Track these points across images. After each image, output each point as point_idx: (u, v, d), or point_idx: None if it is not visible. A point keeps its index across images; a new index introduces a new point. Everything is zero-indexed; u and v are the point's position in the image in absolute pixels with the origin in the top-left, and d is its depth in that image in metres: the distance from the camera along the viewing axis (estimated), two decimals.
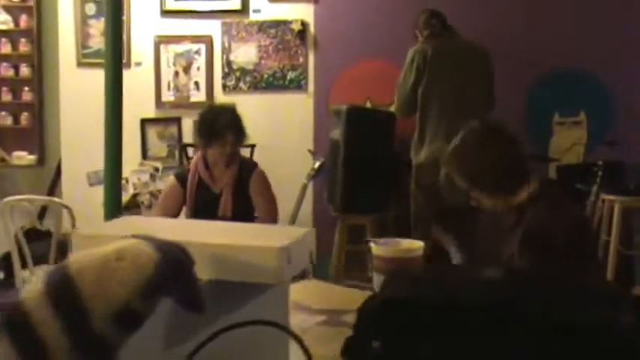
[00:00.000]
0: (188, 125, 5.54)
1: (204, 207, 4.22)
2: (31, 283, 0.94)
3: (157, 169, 5.43)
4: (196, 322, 1.02)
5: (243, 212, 4.28)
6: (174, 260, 0.97)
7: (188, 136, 5.54)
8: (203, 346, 1.03)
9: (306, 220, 5.41)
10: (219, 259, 1.12)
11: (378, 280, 1.53)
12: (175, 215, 4.32)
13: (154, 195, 5.34)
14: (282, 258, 1.12)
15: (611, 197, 5.03)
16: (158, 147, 5.56)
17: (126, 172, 4.75)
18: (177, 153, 5.55)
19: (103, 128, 5.39)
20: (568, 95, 5.48)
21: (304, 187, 5.19)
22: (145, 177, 5.34)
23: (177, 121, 5.54)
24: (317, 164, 5.25)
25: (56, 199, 4.50)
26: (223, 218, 4.19)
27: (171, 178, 4.38)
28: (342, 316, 1.76)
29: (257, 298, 1.18)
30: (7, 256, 5.21)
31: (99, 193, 5.30)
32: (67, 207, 4.39)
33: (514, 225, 2.54)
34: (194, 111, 5.50)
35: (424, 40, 4.93)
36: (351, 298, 1.82)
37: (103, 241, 1.12)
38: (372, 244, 1.54)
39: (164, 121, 5.55)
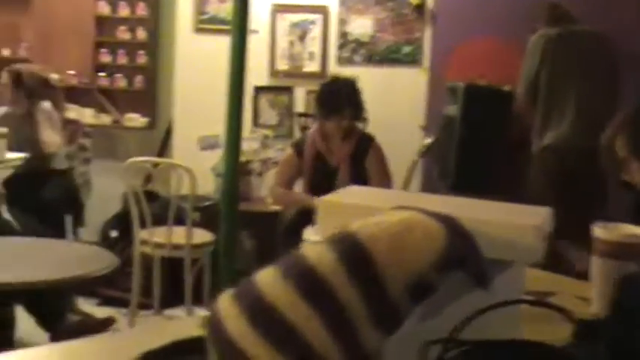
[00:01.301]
0: (300, 95, 5.57)
1: (321, 180, 4.24)
2: (315, 248, 0.94)
3: (267, 137, 5.47)
4: (442, 297, 1.02)
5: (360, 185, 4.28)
6: (462, 233, 0.96)
7: (300, 105, 5.57)
8: (468, 323, 1.02)
9: None
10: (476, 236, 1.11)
11: (603, 264, 1.48)
12: (291, 185, 4.35)
13: (264, 163, 5.39)
14: (538, 236, 1.11)
15: None
16: (269, 115, 5.61)
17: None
18: (288, 122, 5.58)
19: (216, 94, 5.47)
20: None
21: (414, 164, 5.17)
22: (256, 144, 5.38)
23: (290, 90, 5.56)
24: (428, 141, 5.22)
25: (177, 162, 4.57)
26: None
27: (288, 149, 4.42)
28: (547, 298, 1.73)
29: (498, 277, 1.17)
30: (120, 216, 5.36)
31: (208, 157, 5.40)
32: (189, 170, 4.46)
33: None
34: (307, 81, 5.55)
35: (545, 26, 4.82)
36: (552, 281, 1.78)
37: (348, 210, 1.13)
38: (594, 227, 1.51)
39: (276, 89, 5.59)
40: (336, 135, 4.24)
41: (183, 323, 1.70)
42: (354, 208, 1.20)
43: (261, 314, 0.89)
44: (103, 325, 4.13)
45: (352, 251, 0.91)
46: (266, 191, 5.44)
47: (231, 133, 4.45)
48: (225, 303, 0.95)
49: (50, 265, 2.82)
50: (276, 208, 5.31)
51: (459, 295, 1.00)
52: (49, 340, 3.87)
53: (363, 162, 4.26)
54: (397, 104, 5.37)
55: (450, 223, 0.97)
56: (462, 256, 0.94)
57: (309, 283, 0.89)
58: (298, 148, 4.34)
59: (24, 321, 3.67)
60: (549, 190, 4.63)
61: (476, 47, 5.44)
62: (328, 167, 4.26)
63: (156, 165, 5.19)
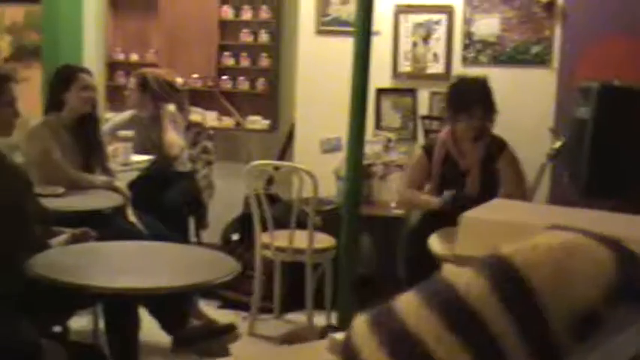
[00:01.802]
0: (424, 97, 5.44)
1: (450, 183, 4.11)
2: (462, 273, 0.85)
3: (389, 140, 5.37)
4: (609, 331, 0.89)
5: (489, 190, 4.13)
6: (633, 258, 0.84)
7: (423, 107, 5.44)
8: None
9: (542, 202, 5.17)
10: None
11: None
12: (419, 188, 4.25)
13: (387, 166, 5.29)
14: None
15: None
16: (392, 117, 5.51)
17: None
18: (411, 124, 5.47)
19: (338, 96, 5.42)
20: None
21: (543, 167, 4.95)
22: (378, 147, 5.29)
23: (413, 92, 5.44)
24: (558, 144, 4.99)
25: (299, 166, 4.53)
26: (469, 197, 4.06)
27: (418, 150, 4.31)
28: None
29: None
30: (241, 218, 5.38)
31: (330, 160, 5.35)
32: (311, 174, 4.42)
33: None
34: (431, 82, 5.42)
35: None
36: None
37: (493, 227, 1.02)
38: None
39: (399, 91, 5.48)
40: (467, 137, 4.11)
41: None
42: (501, 226, 1.09)
43: (404, 347, 0.80)
44: (225, 332, 4.13)
45: (507, 279, 0.81)
46: (388, 195, 5.35)
47: (354, 135, 4.38)
48: (363, 330, 0.86)
49: (174, 270, 2.82)
50: (398, 212, 5.21)
51: (627, 330, 0.88)
52: (172, 344, 3.90)
53: (494, 166, 4.11)
54: (525, 106, 5.15)
55: (618, 247, 0.84)
56: (636, 286, 0.81)
57: (457, 313, 0.80)
58: (428, 150, 4.23)
59: (148, 323, 3.70)
60: None
61: (609, 46, 5.16)
62: (458, 170, 4.13)
63: (277, 168, 5.17)
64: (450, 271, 0.90)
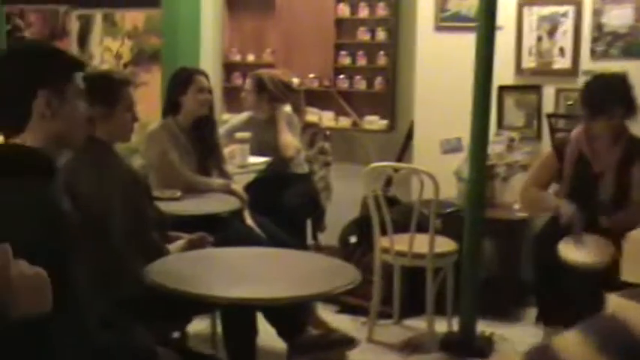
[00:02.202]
0: (549, 94, 5.18)
1: (581, 185, 3.88)
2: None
3: (512, 140, 5.14)
4: None
5: (624, 196, 3.87)
6: None
7: (549, 105, 5.18)
8: None
9: None
10: None
11: None
12: (545, 188, 4.01)
13: (510, 167, 5.07)
14: None
15: None
16: (515, 116, 5.27)
17: None
18: (535, 123, 5.21)
19: (458, 94, 5.22)
20: None
21: None
22: (501, 147, 5.07)
23: (538, 89, 5.19)
24: None
25: (419, 167, 4.38)
26: (602, 203, 3.82)
27: (549, 149, 4.09)
28: None
29: None
30: (359, 221, 5.26)
31: (450, 161, 5.17)
32: (431, 176, 4.26)
33: None
34: (556, 78, 5.15)
35: None
36: None
37: None
38: None
39: (523, 88, 5.23)
40: (604, 137, 3.85)
41: None
42: None
43: None
44: (344, 344, 4.03)
45: None
46: (511, 197, 5.12)
47: (476, 135, 4.21)
48: None
49: (292, 278, 2.72)
50: (522, 215, 4.98)
51: None
52: (288, 351, 3.83)
53: (630, 169, 3.84)
54: None
55: None
56: None
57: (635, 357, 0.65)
58: (559, 149, 4.00)
59: (265, 328, 3.64)
60: None
61: None
62: (591, 173, 3.88)
63: (396, 170, 5.03)
64: (623, 307, 0.74)
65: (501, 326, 4.67)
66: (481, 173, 4.28)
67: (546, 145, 5.11)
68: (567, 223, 3.78)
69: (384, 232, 4.43)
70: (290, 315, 3.73)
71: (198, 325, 3.96)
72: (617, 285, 3.66)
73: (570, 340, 0.73)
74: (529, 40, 5.15)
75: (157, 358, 2.29)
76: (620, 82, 3.84)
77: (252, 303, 2.67)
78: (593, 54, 5.03)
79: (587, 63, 5.02)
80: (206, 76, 4.45)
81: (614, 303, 0.62)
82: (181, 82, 4.32)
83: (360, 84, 6.05)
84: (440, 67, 5.41)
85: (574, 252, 3.73)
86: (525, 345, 4.45)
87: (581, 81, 5.01)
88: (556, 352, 0.72)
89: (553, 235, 3.87)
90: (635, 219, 3.88)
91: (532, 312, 4.88)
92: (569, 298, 3.83)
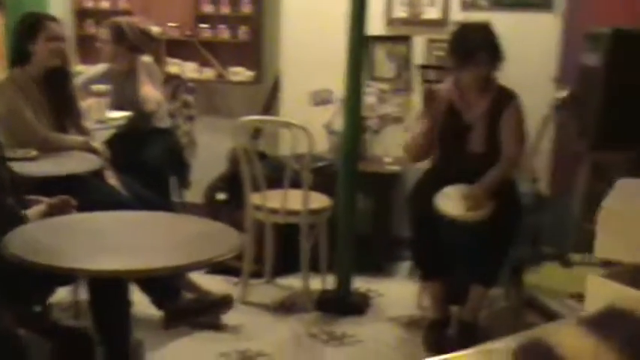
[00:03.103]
0: (420, 44, 5.11)
1: (452, 137, 3.82)
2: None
3: (384, 91, 5.04)
4: None
5: (494, 147, 3.84)
6: None
7: (419, 56, 5.11)
8: None
9: (545, 154, 4.91)
10: None
11: None
12: (430, 141, 3.93)
13: (382, 119, 4.97)
14: None
15: None
16: (386, 67, 5.17)
17: None
18: (406, 74, 5.13)
19: (327, 44, 5.07)
20: None
21: (547, 119, 4.67)
22: (372, 99, 4.96)
23: (408, 39, 5.10)
24: (563, 93, 4.69)
25: (292, 121, 4.20)
26: (472, 155, 3.78)
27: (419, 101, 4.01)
28: None
29: None
30: (226, 177, 5.05)
31: (320, 113, 5.02)
32: (305, 129, 4.09)
33: None
34: (427, 29, 5.08)
35: None
36: None
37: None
38: None
39: (393, 39, 5.13)
40: (473, 87, 3.80)
41: None
42: None
43: None
44: (220, 305, 3.84)
45: None
46: (383, 150, 5.05)
47: (351, 87, 4.07)
48: None
49: (167, 246, 2.49)
50: (393, 168, 4.92)
51: None
52: (163, 320, 3.61)
53: (500, 119, 3.82)
54: (527, 53, 4.82)
55: None
56: None
57: None
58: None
59: (137, 296, 3.39)
60: None
61: None
62: (462, 123, 3.83)
63: (267, 123, 4.84)
64: (621, 298, 0.62)
65: (375, 282, 4.62)
66: (356, 126, 4.16)
67: (417, 97, 5.06)
68: None
69: (254, 189, 4.25)
70: (162, 282, 3.50)
71: (59, 293, 3.65)
72: (491, 236, 3.66)
73: (567, 335, 0.60)
74: None
75: (20, 342, 2.02)
76: (485, 29, 3.80)
77: (125, 275, 2.42)
78: (463, 4, 4.98)
79: (457, 13, 4.97)
80: (58, 22, 4.06)
81: (621, 299, 0.52)
82: (29, 28, 3.92)
83: (224, 33, 5.77)
84: (308, 17, 5.23)
85: (452, 204, 3.67)
86: (400, 299, 4.44)
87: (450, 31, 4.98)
88: (551, 347, 0.59)
89: (429, 188, 3.80)
90: (504, 176, 3.87)
91: (405, 266, 4.87)
92: (447, 252, 3.80)
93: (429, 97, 3.83)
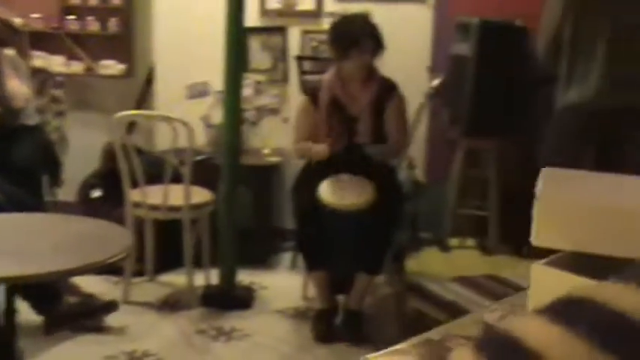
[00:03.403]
0: (295, 35, 5.11)
1: (339, 129, 3.84)
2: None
3: (259, 83, 5.02)
4: None
5: (380, 135, 3.90)
6: None
7: (294, 47, 5.11)
8: None
9: (420, 142, 5.02)
10: None
11: None
12: (313, 135, 3.93)
13: (259, 110, 4.95)
14: None
15: None
16: (261, 59, 5.14)
17: None
18: (282, 65, 5.12)
19: (201, 36, 5.00)
20: None
21: (421, 107, 4.78)
22: (248, 91, 4.92)
23: (283, 30, 5.09)
24: (436, 82, 4.82)
25: (171, 115, 4.11)
26: (360, 146, 3.82)
27: (302, 98, 4.00)
28: None
29: None
30: (101, 173, 4.90)
31: (195, 106, 4.94)
32: (185, 123, 4.01)
33: None
34: (301, 19, 5.09)
35: None
36: None
37: (582, 211, 0.75)
38: None
39: (268, 30, 5.11)
40: (356, 77, 3.83)
41: None
42: (594, 209, 0.81)
43: None
44: (106, 310, 3.72)
45: None
46: (261, 142, 5.03)
47: (230, 79, 4.03)
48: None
49: (50, 249, 2.37)
50: (273, 160, 4.92)
51: None
52: (44, 326, 3.46)
53: (384, 110, 3.87)
54: (401, 43, 4.90)
55: None
56: None
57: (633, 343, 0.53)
58: (313, 94, 3.92)
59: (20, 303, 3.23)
60: (566, 156, 4.12)
61: None
62: (347, 115, 3.85)
63: (146, 117, 4.72)
64: (595, 290, 0.63)
65: (259, 274, 4.60)
66: (236, 119, 4.12)
67: (294, 88, 5.06)
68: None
69: (133, 185, 4.13)
70: (41, 286, 3.35)
71: None
72: (375, 224, 3.71)
73: (531, 325, 0.60)
74: None
75: None
76: (365, 19, 3.85)
77: (9, 281, 2.30)
78: None
79: (331, 4, 5.00)
80: None
81: (587, 288, 0.53)
82: None
83: (93, 25, 5.57)
84: (180, 7, 5.13)
85: (334, 194, 3.70)
86: (284, 291, 4.44)
87: (325, 22, 5.01)
88: (517, 339, 0.59)
89: (313, 179, 3.82)
90: (392, 152, 3.95)
91: (287, 257, 4.87)
92: (331, 241, 3.82)
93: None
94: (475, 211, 5.05)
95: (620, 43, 4.01)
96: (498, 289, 4.35)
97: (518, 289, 4.33)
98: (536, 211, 0.88)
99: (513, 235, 4.97)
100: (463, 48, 4.72)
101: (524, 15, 4.89)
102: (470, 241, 5.04)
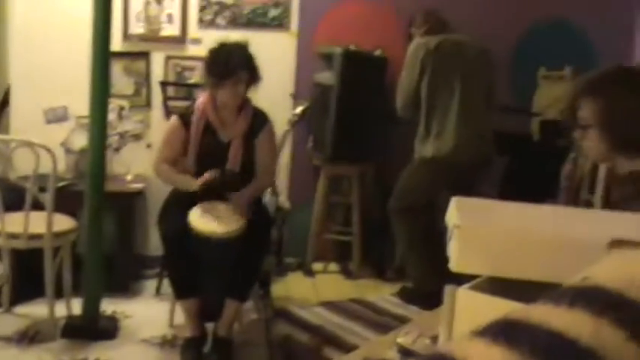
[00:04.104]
0: (159, 61, 5.06)
1: (210, 155, 3.83)
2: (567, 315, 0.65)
3: (122, 108, 4.94)
4: None
5: (249, 165, 3.93)
6: None
7: (158, 72, 5.07)
8: None
9: (284, 168, 5.09)
10: None
11: None
12: (178, 159, 3.90)
13: (122, 136, 4.86)
14: None
15: None
16: (125, 84, 5.06)
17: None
18: (145, 91, 5.07)
19: (61, 57, 4.88)
20: (555, 49, 5.33)
21: (286, 134, 4.85)
22: (111, 117, 4.83)
23: (147, 55, 5.04)
24: (300, 109, 4.91)
25: (34, 141, 3.97)
26: (231, 172, 3.82)
27: (173, 118, 3.95)
28: None
29: None
30: None
31: (54, 131, 4.81)
32: (48, 149, 3.89)
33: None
34: (165, 45, 5.05)
35: (424, 35, 4.65)
36: None
37: (501, 238, 0.82)
38: None
39: (132, 55, 5.04)
40: (230, 105, 3.84)
41: None
42: (512, 237, 0.87)
43: None
44: None
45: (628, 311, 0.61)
46: (124, 168, 4.94)
47: (96, 103, 3.94)
48: None
49: None
50: (136, 187, 4.84)
51: None
52: None
53: (255, 139, 3.91)
54: (265, 70, 4.94)
55: None
56: None
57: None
58: (185, 119, 3.89)
59: None
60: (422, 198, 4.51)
61: (345, 11, 5.16)
62: (218, 142, 3.85)
63: (4, 142, 4.52)
64: (530, 312, 0.67)
65: (123, 303, 4.50)
66: (101, 144, 4.02)
67: (157, 113, 5.02)
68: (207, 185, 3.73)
69: None
70: None
71: None
72: (244, 251, 3.72)
73: (471, 347, 0.64)
74: (136, 5, 4.97)
75: None
76: (243, 48, 3.87)
77: None
78: (201, 22, 5.02)
79: (195, 31, 5.01)
80: None
81: (522, 311, 0.56)
82: None
83: None
84: (37, 27, 4.98)
85: (205, 222, 3.69)
86: (150, 319, 4.35)
87: (190, 48, 5.01)
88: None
89: (181, 205, 3.79)
90: (258, 193, 4.00)
91: (152, 285, 4.79)
92: (201, 268, 3.80)
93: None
94: (338, 236, 5.16)
95: (470, 103, 4.44)
96: (363, 312, 4.46)
97: (383, 312, 4.48)
98: (455, 239, 0.94)
99: (376, 259, 5.12)
100: (326, 76, 4.85)
101: (384, 46, 5.09)
102: (333, 266, 5.14)
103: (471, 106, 4.49)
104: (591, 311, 0.61)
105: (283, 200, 4.96)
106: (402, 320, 4.38)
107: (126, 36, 5.00)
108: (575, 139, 4.18)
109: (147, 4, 4.96)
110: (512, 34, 5.27)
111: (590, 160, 2.40)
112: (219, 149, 3.84)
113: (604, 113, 2.25)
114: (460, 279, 1.18)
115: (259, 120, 3.93)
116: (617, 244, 0.71)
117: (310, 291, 4.77)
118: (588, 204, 5.04)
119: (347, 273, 5.06)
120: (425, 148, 4.51)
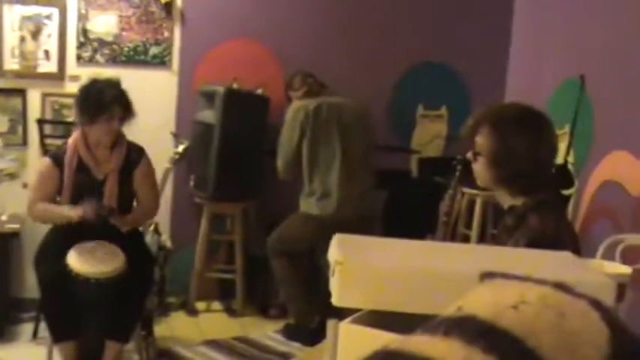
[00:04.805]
0: (35, 98, 4.94)
1: (85, 193, 3.76)
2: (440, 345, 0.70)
3: None
4: None
5: (127, 200, 3.88)
6: (608, 311, 0.75)
7: (35, 110, 4.94)
8: None
9: (166, 206, 5.04)
10: None
11: None
12: (53, 199, 3.82)
13: None
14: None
15: (473, 191, 5.11)
16: None
17: None
18: (21, 129, 4.93)
19: None
20: (433, 89, 5.53)
21: (167, 172, 4.81)
22: None
23: (23, 92, 4.91)
24: (181, 148, 4.89)
25: None
26: (107, 207, 3.76)
27: (44, 160, 3.87)
28: None
29: None
30: None
31: None
32: None
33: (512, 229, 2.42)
34: (42, 82, 4.94)
35: (302, 97, 4.78)
36: None
37: (382, 274, 0.88)
38: None
39: (7, 92, 4.90)
40: (103, 142, 3.79)
41: None
42: (394, 273, 0.92)
43: None
44: None
45: (513, 351, 0.66)
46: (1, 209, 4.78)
47: None
48: None
49: None
50: (13, 227, 4.68)
51: None
52: None
53: (132, 174, 3.87)
54: (146, 109, 4.91)
55: (591, 300, 0.74)
56: (629, 343, 0.72)
57: None
58: (57, 158, 3.81)
59: None
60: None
61: (230, 50, 5.20)
62: (93, 179, 3.79)
63: None
64: (408, 342, 0.72)
65: None
66: None
67: (34, 151, 4.89)
68: (86, 218, 3.65)
69: None
70: None
71: None
72: (125, 291, 3.65)
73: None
74: (11, 40, 4.84)
75: None
76: (115, 85, 3.85)
77: None
78: (80, 59, 4.95)
79: (73, 68, 4.93)
80: None
81: (402, 341, 0.59)
82: None
83: None
84: None
85: (84, 262, 3.61)
86: None
87: (68, 85, 4.91)
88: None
89: (58, 245, 3.70)
90: (142, 218, 3.99)
91: (28, 328, 4.63)
92: (80, 310, 3.70)
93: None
94: (221, 274, 5.14)
95: (351, 163, 4.63)
96: (247, 350, 4.45)
97: (267, 349, 4.49)
98: (337, 275, 0.98)
99: (259, 297, 5.13)
100: (207, 115, 4.85)
101: (265, 84, 5.15)
102: (217, 304, 5.11)
103: (352, 165, 4.66)
104: (464, 339, 0.65)
105: (165, 239, 4.91)
106: (286, 357, 4.40)
107: (0, 72, 4.86)
108: (455, 171, 4.41)
109: (22, 39, 4.85)
110: (392, 74, 5.43)
111: (479, 183, 2.51)
112: (95, 186, 3.78)
113: (495, 148, 2.38)
114: (342, 313, 1.22)
115: (135, 154, 3.90)
116: (489, 275, 0.76)
117: (194, 330, 4.72)
118: (465, 238, 5.25)
119: (230, 311, 5.04)
120: (310, 206, 4.65)
